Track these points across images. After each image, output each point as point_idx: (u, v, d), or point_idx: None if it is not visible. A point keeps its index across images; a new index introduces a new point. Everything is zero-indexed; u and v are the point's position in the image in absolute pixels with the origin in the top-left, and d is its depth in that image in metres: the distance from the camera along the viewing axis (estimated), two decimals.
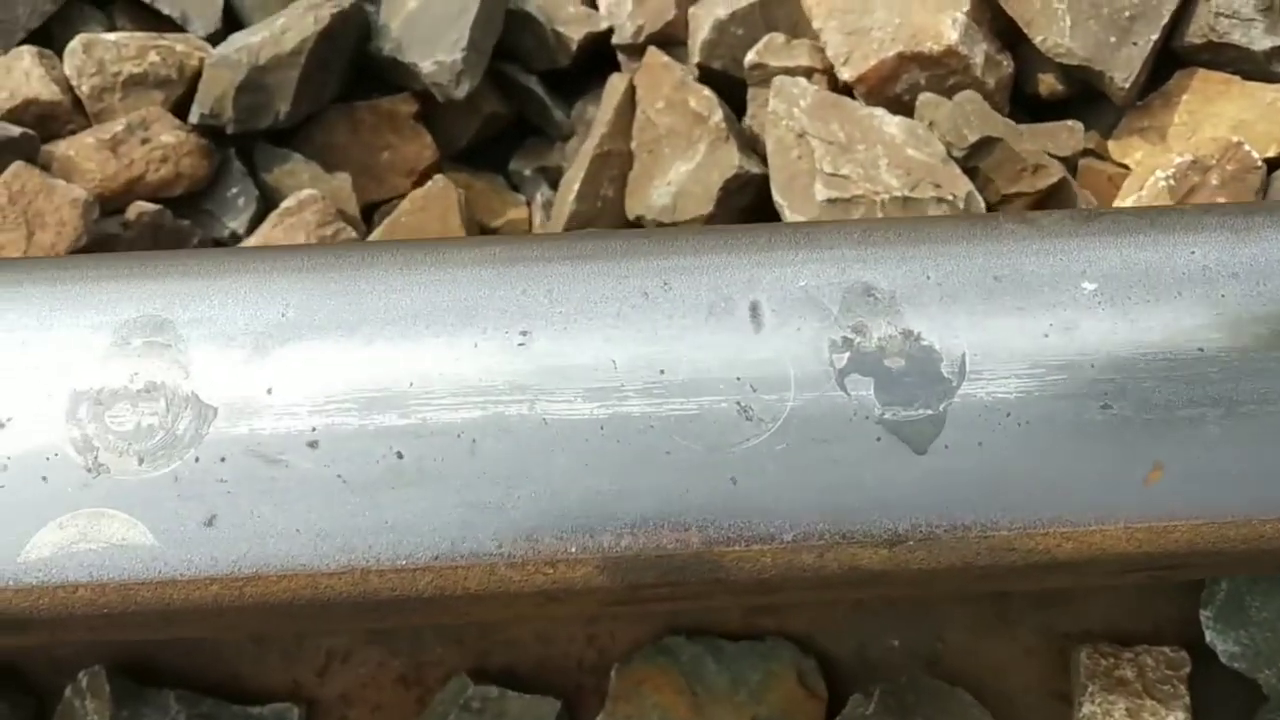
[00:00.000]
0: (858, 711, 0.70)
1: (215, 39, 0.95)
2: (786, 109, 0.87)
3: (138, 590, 0.47)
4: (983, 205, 0.84)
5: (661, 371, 0.47)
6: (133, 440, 0.47)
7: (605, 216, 0.97)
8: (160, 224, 0.87)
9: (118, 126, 0.87)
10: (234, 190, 0.91)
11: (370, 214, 0.98)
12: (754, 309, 0.48)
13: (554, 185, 1.03)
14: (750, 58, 0.92)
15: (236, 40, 0.89)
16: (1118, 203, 0.86)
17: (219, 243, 0.91)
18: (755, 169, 0.89)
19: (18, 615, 0.47)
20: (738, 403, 0.47)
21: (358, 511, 0.46)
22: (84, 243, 0.82)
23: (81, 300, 0.49)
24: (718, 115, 0.90)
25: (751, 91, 0.94)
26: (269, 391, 0.47)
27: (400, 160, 0.98)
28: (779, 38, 0.93)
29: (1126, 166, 0.92)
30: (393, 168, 0.98)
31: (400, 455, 0.47)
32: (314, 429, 0.47)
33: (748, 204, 0.91)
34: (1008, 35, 0.91)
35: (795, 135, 0.86)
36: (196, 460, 0.47)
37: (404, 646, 0.74)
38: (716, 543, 0.47)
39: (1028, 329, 0.48)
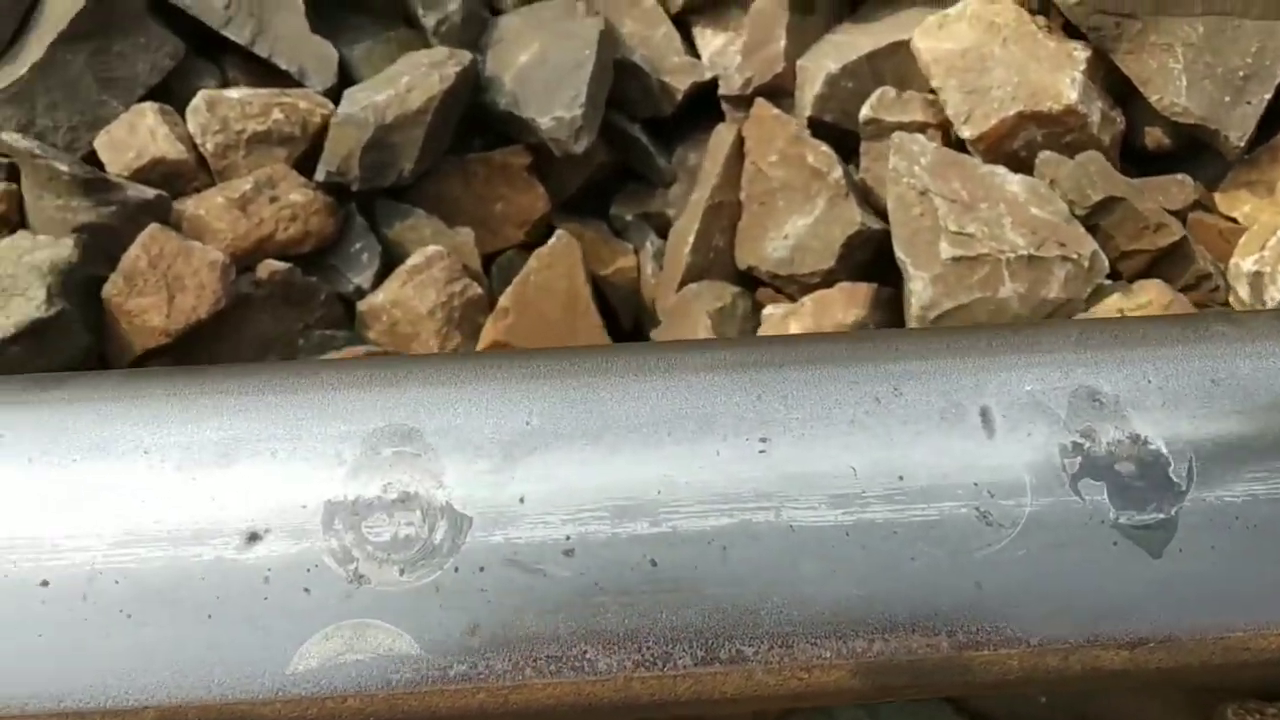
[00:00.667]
0: None
1: (331, 93, 0.96)
2: (907, 166, 0.88)
3: (404, 700, 0.48)
4: (1106, 264, 0.86)
5: (900, 478, 0.48)
6: (391, 550, 0.48)
7: (717, 267, 0.98)
8: (291, 282, 0.88)
9: (246, 185, 0.88)
10: (358, 246, 0.92)
11: (486, 266, 0.99)
12: (984, 414, 0.49)
13: (659, 232, 1.04)
14: (865, 112, 0.93)
15: (359, 98, 0.90)
16: (1236, 260, 0.87)
17: (344, 298, 0.92)
18: (875, 225, 0.90)
19: None
20: (976, 508, 0.48)
21: (615, 617, 0.48)
22: (223, 305, 0.83)
23: (327, 410, 0.50)
24: (837, 172, 0.91)
25: (864, 145, 0.95)
26: (521, 500, 0.48)
27: (514, 211, 0.98)
28: (890, 92, 0.94)
29: (1234, 220, 0.94)
30: (506, 219, 0.99)
31: (654, 563, 0.48)
32: (568, 537, 0.48)
33: (867, 259, 0.92)
34: (1118, 91, 0.93)
35: (917, 193, 0.87)
36: (456, 570, 0.48)
37: None
38: (965, 647, 0.48)
39: (1248, 433, 0.50)
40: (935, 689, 0.49)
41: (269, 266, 0.87)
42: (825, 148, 0.91)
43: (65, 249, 0.79)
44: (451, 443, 0.49)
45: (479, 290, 0.89)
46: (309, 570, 0.48)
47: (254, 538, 0.48)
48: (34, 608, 0.48)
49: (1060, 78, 0.88)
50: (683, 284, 0.94)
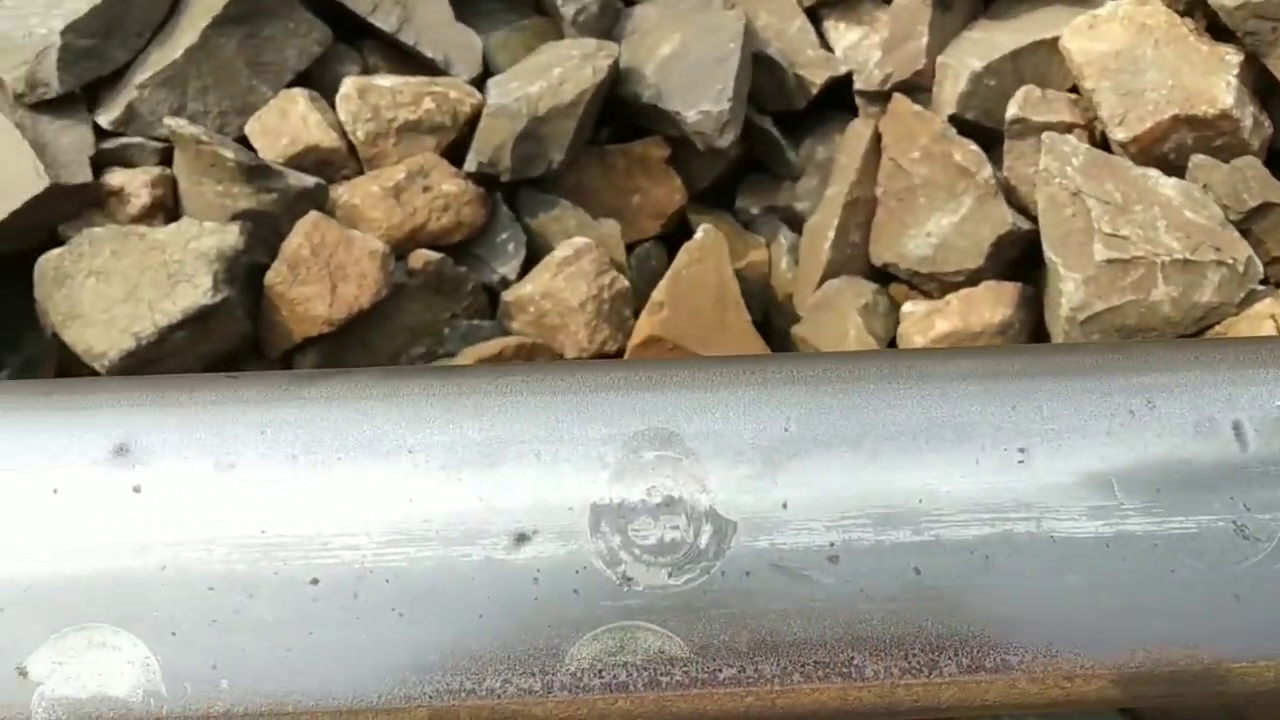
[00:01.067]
0: None
1: (475, 83, 0.96)
2: (1059, 167, 0.88)
3: (674, 702, 0.48)
4: (1261, 269, 0.86)
5: (1158, 490, 0.49)
6: (658, 554, 0.48)
7: (854, 263, 0.99)
8: (442, 272, 0.88)
9: (399, 174, 0.88)
10: (504, 236, 0.92)
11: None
12: (1237, 428, 0.49)
13: (790, 225, 1.04)
14: (1012, 111, 0.93)
15: (511, 88, 0.90)
16: None
17: (489, 289, 0.92)
18: (1024, 225, 0.90)
19: None
20: (1234, 522, 0.48)
21: (880, 624, 0.48)
22: (383, 294, 0.83)
23: (586, 411, 0.50)
24: (986, 170, 0.91)
25: (1009, 144, 0.96)
26: (784, 506, 0.48)
27: (650, 203, 0.99)
28: (1036, 91, 0.94)
29: None
30: (642, 211, 0.99)
31: (918, 571, 0.48)
32: (832, 544, 0.48)
33: (1015, 258, 0.92)
34: (1263, 94, 0.93)
35: (1069, 194, 0.87)
36: (723, 574, 0.48)
37: None
38: (1224, 659, 0.48)
39: None
40: (1192, 698, 0.49)
41: (422, 256, 0.87)
42: (973, 146, 0.91)
43: (231, 236, 0.79)
44: (712, 447, 0.49)
45: (626, 283, 0.89)
46: (577, 572, 0.48)
47: (522, 539, 0.48)
48: (305, 606, 0.48)
49: (1215, 81, 0.88)
50: (823, 279, 0.95)
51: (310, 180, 0.85)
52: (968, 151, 0.92)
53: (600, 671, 0.48)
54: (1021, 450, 0.49)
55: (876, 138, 0.99)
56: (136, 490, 0.49)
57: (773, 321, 1.00)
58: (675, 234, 1.00)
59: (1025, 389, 0.51)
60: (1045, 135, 0.90)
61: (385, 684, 0.48)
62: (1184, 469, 0.49)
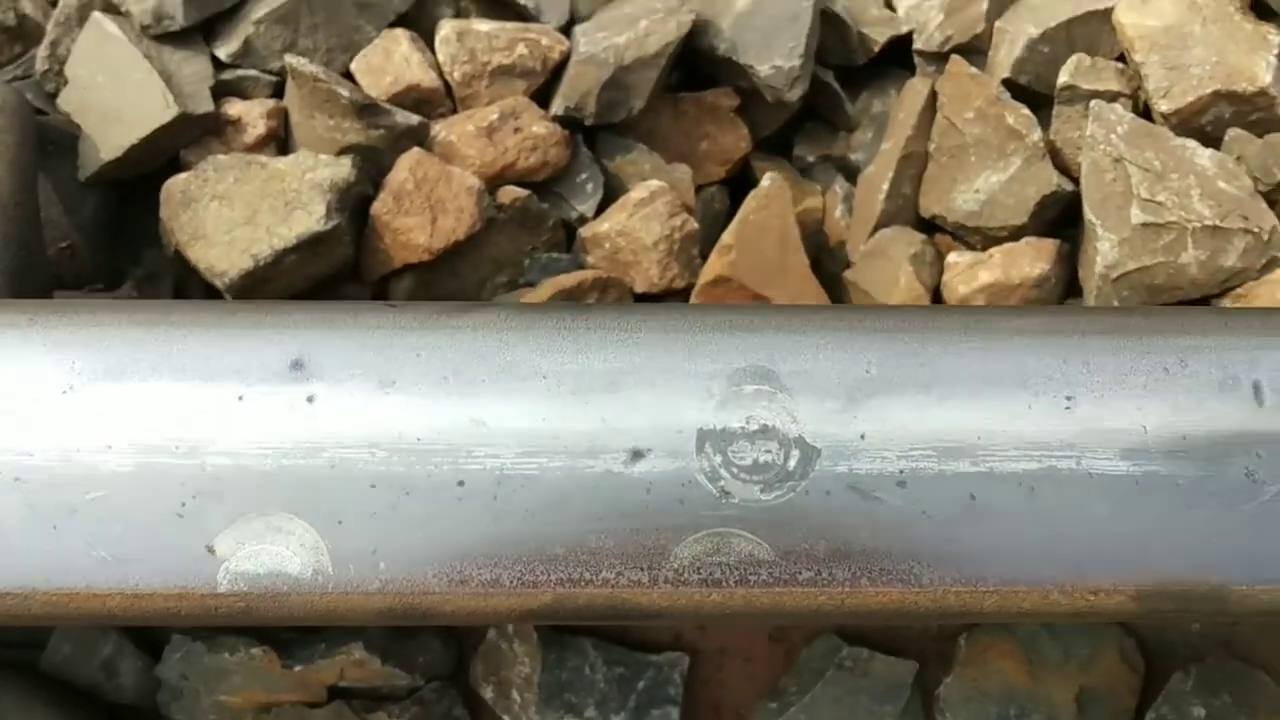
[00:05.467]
0: (1179, 687, 0.82)
1: (563, 30, 1.02)
2: (1105, 134, 0.94)
3: (759, 598, 0.57)
4: None
5: (1184, 437, 0.56)
6: (752, 473, 0.57)
7: (904, 213, 1.05)
8: (527, 208, 0.95)
9: (493, 115, 0.95)
10: (583, 176, 0.99)
11: None
12: (1256, 387, 0.57)
13: (845, 175, 1.10)
14: (1063, 78, 0.99)
15: (599, 38, 0.96)
16: None
17: (567, 224, 0.99)
18: (1068, 187, 0.97)
19: (662, 611, 0.57)
20: (1246, 468, 0.56)
21: (937, 540, 0.56)
22: (478, 227, 0.90)
23: (697, 349, 0.58)
24: (1036, 134, 0.97)
25: (1058, 109, 1.01)
26: (862, 437, 0.56)
27: (717, 150, 1.05)
28: (1086, 60, 1.00)
29: None
30: (710, 156, 1.06)
31: (973, 497, 0.56)
32: (902, 471, 0.56)
33: (1055, 217, 0.99)
34: None
35: (1112, 160, 0.93)
36: (807, 493, 0.56)
37: None
38: (1229, 583, 0.57)
39: None
40: (1197, 616, 0.58)
41: (510, 193, 0.94)
42: (1025, 110, 0.97)
43: (344, 168, 0.86)
44: (803, 384, 0.57)
45: (695, 225, 0.96)
46: (683, 485, 0.56)
47: (638, 455, 0.56)
48: (451, 504, 0.57)
49: (1256, 60, 0.94)
50: (876, 229, 1.01)
51: (414, 118, 0.91)
52: (1020, 115, 0.98)
53: (699, 569, 0.56)
54: (1069, 398, 0.57)
55: (933, 96, 1.05)
56: (310, 400, 0.57)
57: (825, 265, 1.07)
58: (739, 179, 1.06)
59: (1076, 345, 0.58)
60: (1093, 103, 0.96)
61: (517, 572, 0.57)
62: (1208, 420, 0.57)
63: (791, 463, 0.57)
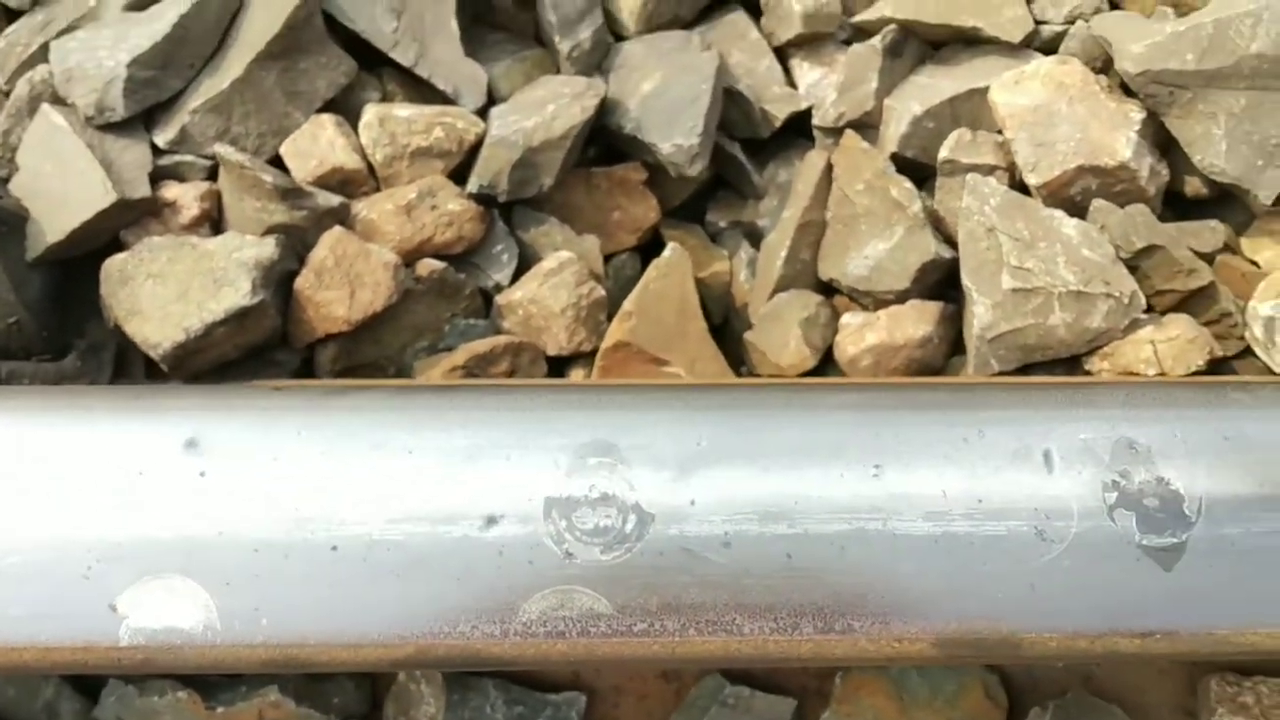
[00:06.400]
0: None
1: (480, 111, 1.09)
2: (979, 206, 1.01)
3: (600, 647, 0.63)
4: (1143, 301, 1.00)
5: (979, 500, 0.63)
6: (594, 536, 0.64)
7: (803, 277, 1.12)
8: (445, 279, 1.02)
9: (411, 194, 1.02)
10: (499, 248, 1.06)
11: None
12: (1046, 455, 0.64)
13: (751, 240, 1.18)
14: (944, 153, 1.06)
15: (510, 121, 1.04)
16: (1255, 302, 1.01)
17: (484, 292, 1.06)
18: (946, 254, 1.04)
19: (513, 660, 0.64)
20: (1035, 527, 0.63)
21: (758, 594, 0.63)
22: (394, 299, 0.98)
23: (547, 425, 0.65)
24: (916, 205, 1.04)
25: (940, 180, 1.09)
26: (692, 503, 0.63)
27: (629, 220, 1.13)
28: (966, 135, 1.07)
29: (1256, 264, 1.07)
30: (621, 226, 1.13)
31: (789, 556, 0.63)
32: (727, 534, 0.63)
33: (939, 280, 1.06)
34: (1165, 144, 1.06)
35: (985, 229, 1.01)
36: (642, 554, 0.63)
37: None
38: (1018, 631, 0.63)
39: (1249, 480, 0.65)
40: (993, 659, 0.64)
41: (428, 265, 1.01)
42: (908, 184, 1.04)
43: (268, 248, 0.94)
44: (641, 456, 0.64)
45: (602, 292, 1.03)
46: (532, 548, 0.63)
47: (492, 521, 0.63)
48: (326, 566, 0.64)
49: (1117, 136, 1.01)
50: (774, 292, 1.09)
51: (335, 199, 0.99)
52: (902, 188, 1.05)
53: (545, 622, 0.63)
54: (877, 466, 0.64)
55: (829, 168, 1.12)
56: (202, 474, 0.64)
57: (731, 325, 1.14)
58: (650, 245, 1.14)
59: (887, 418, 0.65)
60: (969, 176, 1.03)
61: (383, 626, 0.64)
62: (1002, 485, 0.64)
63: (629, 526, 0.64)
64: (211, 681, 0.86)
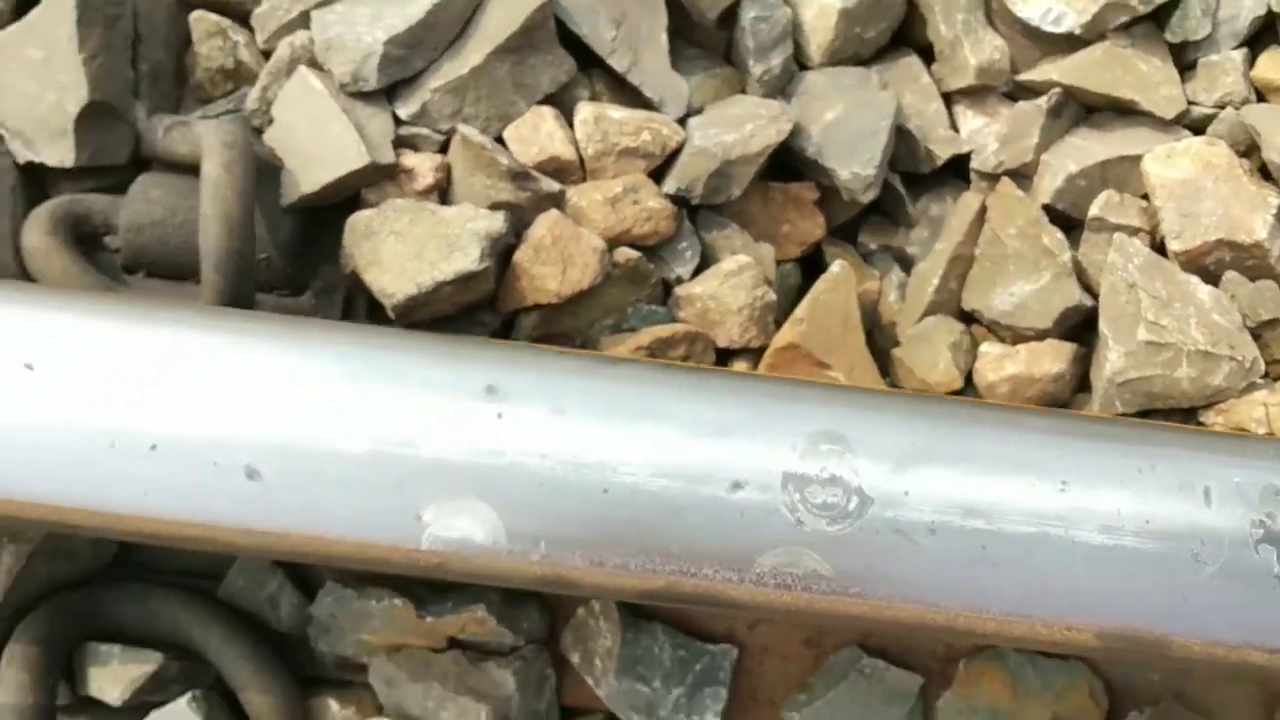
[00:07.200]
0: None
1: (680, 121, 1.21)
2: (1123, 263, 1.12)
3: (817, 603, 0.75)
4: (1262, 367, 1.11)
5: (1147, 521, 0.75)
6: (822, 510, 0.75)
7: (948, 304, 1.24)
8: (638, 267, 1.14)
9: (617, 188, 1.14)
10: (684, 245, 1.17)
11: None
12: (1206, 492, 0.76)
13: (901, 265, 1.29)
14: (1094, 211, 1.17)
15: (711, 134, 1.15)
16: None
17: (666, 283, 1.18)
18: (1087, 302, 1.15)
19: (745, 604, 0.75)
20: (1191, 550, 0.75)
21: (955, 576, 0.75)
22: (598, 281, 1.09)
23: (787, 412, 0.77)
24: (1066, 255, 1.15)
25: (1086, 234, 1.20)
26: (906, 493, 0.75)
27: (796, 233, 1.24)
28: (1115, 196, 1.18)
29: None
30: (789, 238, 1.24)
31: (984, 547, 0.75)
32: (933, 522, 0.75)
33: (1075, 324, 1.17)
34: None
35: (1127, 285, 1.11)
36: (860, 529, 0.75)
37: None
38: (1169, 634, 0.75)
39: None
40: (1143, 656, 0.76)
41: (624, 253, 1.13)
42: (1060, 235, 1.15)
43: (498, 222, 1.05)
44: (865, 449, 0.76)
45: (773, 296, 1.15)
46: (769, 513, 0.75)
47: (737, 486, 0.75)
48: (597, 505, 0.75)
49: (1255, 217, 1.12)
50: (923, 315, 1.20)
51: (555, 186, 1.10)
52: (1055, 238, 1.16)
53: (775, 576, 0.75)
54: (1064, 482, 0.76)
55: (983, 209, 1.23)
56: (499, 416, 0.76)
57: (876, 340, 1.25)
58: (810, 259, 1.25)
59: (1074, 443, 0.77)
60: (1116, 235, 1.14)
61: (640, 561, 0.75)
62: (1167, 511, 0.75)
63: (852, 505, 0.75)
64: (423, 595, 0.98)
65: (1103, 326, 1.14)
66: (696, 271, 1.21)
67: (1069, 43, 1.27)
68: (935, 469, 0.75)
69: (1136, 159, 1.23)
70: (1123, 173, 1.25)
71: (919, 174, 1.32)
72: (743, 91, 1.31)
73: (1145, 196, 1.21)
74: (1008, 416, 0.78)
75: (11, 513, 0.74)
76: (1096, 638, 0.75)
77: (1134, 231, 1.19)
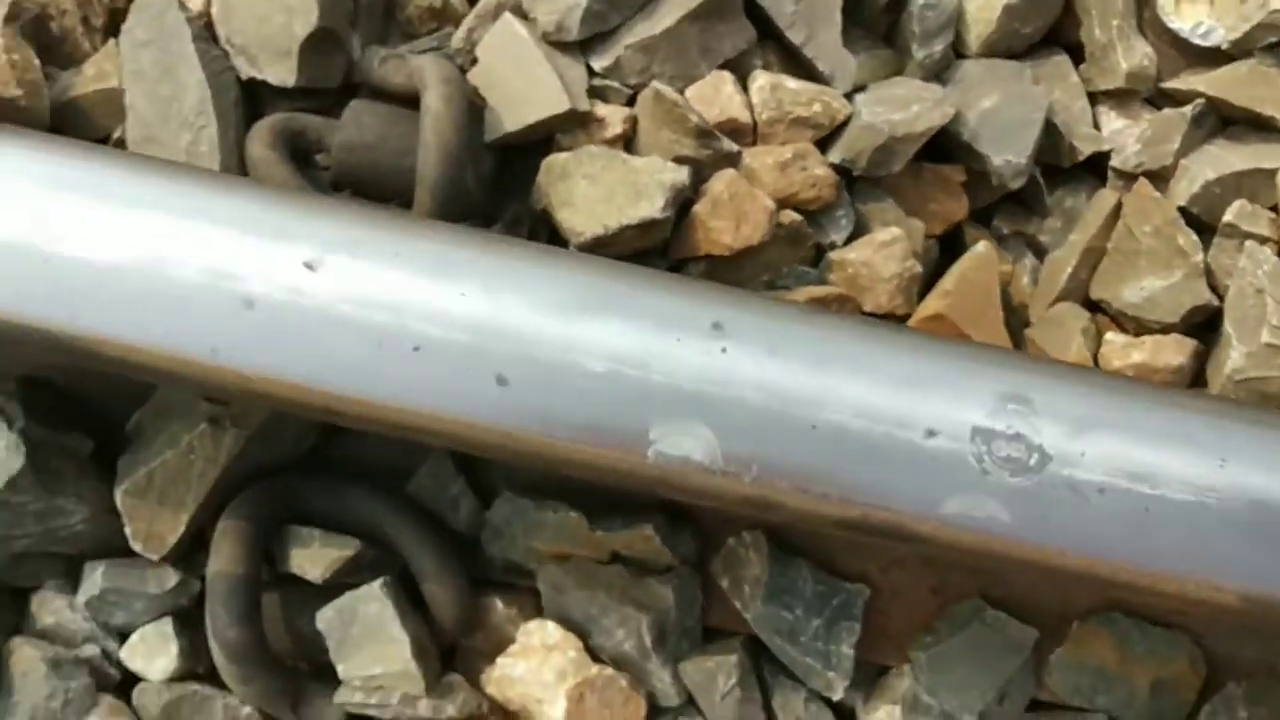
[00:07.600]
0: (1232, 692, 1.08)
1: (846, 95, 1.28)
2: (1253, 269, 1.20)
3: (995, 544, 0.84)
4: None
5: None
6: (1005, 463, 0.84)
7: (1076, 292, 1.31)
8: (798, 229, 1.22)
9: (787, 154, 1.21)
10: (840, 213, 1.25)
11: None
12: None
13: (1034, 251, 1.36)
14: (1227, 217, 1.24)
15: (878, 110, 1.22)
16: None
17: (820, 247, 1.26)
18: (1215, 303, 1.22)
19: (929, 539, 0.84)
20: None
21: (1121, 533, 0.83)
22: (766, 238, 1.17)
23: (981, 372, 0.85)
24: (1199, 256, 1.23)
25: (1218, 239, 1.27)
26: (1082, 455, 0.84)
27: (941, 212, 1.31)
28: (1248, 206, 1.25)
29: None
30: (935, 216, 1.32)
31: (1147, 510, 0.83)
32: (1103, 483, 0.83)
33: (1199, 322, 1.25)
34: None
35: (1254, 290, 1.19)
36: (1039, 484, 0.83)
37: (937, 568, 1.12)
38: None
39: None
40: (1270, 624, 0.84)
41: (788, 215, 1.21)
42: (1195, 237, 1.23)
43: (682, 175, 1.13)
44: (1048, 412, 0.84)
45: (920, 269, 1.23)
46: (958, 461, 0.84)
47: (931, 434, 0.84)
48: (805, 440, 0.84)
49: None
50: (1056, 301, 1.28)
51: (734, 146, 1.18)
52: (1189, 239, 1.23)
53: (960, 517, 0.83)
54: (1223, 459, 0.84)
55: (1118, 206, 1.31)
56: (724, 350, 0.85)
57: (1007, 319, 1.33)
58: (950, 237, 1.33)
59: (1232, 426, 0.85)
60: (1248, 242, 1.21)
61: (841, 492, 0.84)
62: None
63: (1032, 461, 0.84)
64: (598, 510, 1.07)
65: (1228, 326, 1.22)
66: (849, 239, 1.29)
67: (1214, 57, 1.35)
68: (1109, 435, 0.83)
69: (1271, 172, 1.30)
70: (1256, 184, 1.32)
71: (1059, 167, 1.40)
72: (899, 73, 1.38)
73: (1275, 209, 1.29)
74: (1175, 397, 0.86)
75: (291, 395, 0.83)
76: (1239, 600, 0.83)
77: (1264, 240, 1.26)
